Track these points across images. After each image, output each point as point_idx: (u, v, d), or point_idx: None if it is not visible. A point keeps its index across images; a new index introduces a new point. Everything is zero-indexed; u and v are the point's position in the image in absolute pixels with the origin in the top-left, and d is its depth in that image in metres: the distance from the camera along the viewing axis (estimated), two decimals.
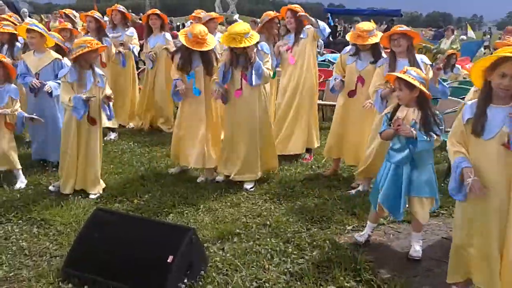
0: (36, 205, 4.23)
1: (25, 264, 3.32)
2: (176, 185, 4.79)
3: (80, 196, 4.46)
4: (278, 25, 5.86)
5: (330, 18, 21.69)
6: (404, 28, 4.26)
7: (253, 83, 4.46)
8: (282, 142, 5.50)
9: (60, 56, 5.03)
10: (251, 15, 45.05)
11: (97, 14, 6.47)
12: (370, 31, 4.58)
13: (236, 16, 19.65)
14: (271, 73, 4.92)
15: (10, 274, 3.18)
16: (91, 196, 4.46)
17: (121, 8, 7.10)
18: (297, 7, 5.51)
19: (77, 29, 6.90)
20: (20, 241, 3.63)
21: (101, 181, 4.62)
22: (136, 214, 4.07)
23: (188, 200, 4.41)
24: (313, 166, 5.51)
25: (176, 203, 4.33)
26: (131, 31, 7.00)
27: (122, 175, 5.08)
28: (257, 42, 4.52)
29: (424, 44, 10.78)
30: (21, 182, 4.73)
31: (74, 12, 8.19)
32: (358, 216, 4.10)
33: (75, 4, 72.37)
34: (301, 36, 5.40)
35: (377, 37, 4.57)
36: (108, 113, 4.43)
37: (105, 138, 6.11)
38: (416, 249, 3.41)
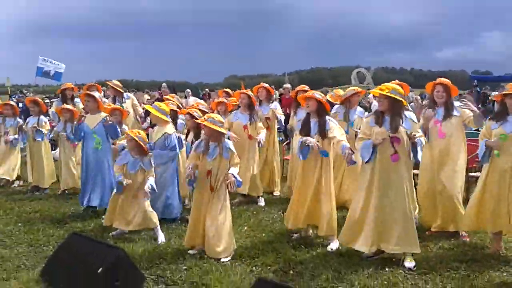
0: (197, 269, 4.49)
1: None
2: (327, 256, 4.74)
3: (237, 263, 4.62)
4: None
5: (477, 86, 20.49)
6: None
7: None
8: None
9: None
10: None
11: (250, 92, 7.03)
12: None
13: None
14: None
15: None
16: (223, 259, 4.68)
17: (266, 85, 7.67)
18: (447, 81, 5.33)
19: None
20: None
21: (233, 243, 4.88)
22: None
23: (341, 275, 4.28)
24: (478, 245, 5.01)
25: (330, 277, 4.23)
26: (275, 104, 7.64)
27: (275, 245, 5.15)
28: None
29: None
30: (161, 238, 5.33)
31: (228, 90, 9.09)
32: None
33: (223, 81, 79.50)
34: (454, 113, 5.17)
35: None
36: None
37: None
38: None
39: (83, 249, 4.29)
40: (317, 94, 5.08)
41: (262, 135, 6.62)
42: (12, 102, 8.47)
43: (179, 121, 6.73)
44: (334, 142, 4.87)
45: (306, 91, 7.04)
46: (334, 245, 5.01)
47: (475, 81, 21.52)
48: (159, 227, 5.40)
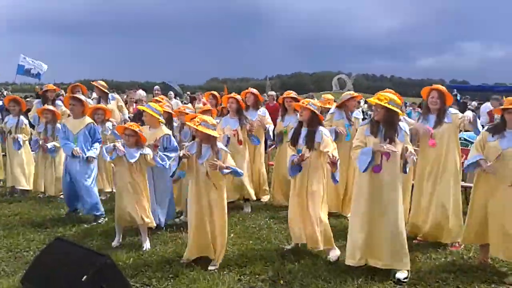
0: (183, 277, 4.39)
1: None
2: (316, 265, 4.68)
3: (224, 272, 4.54)
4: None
5: (457, 94, 20.85)
6: None
7: None
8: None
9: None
10: (368, 92, 45.17)
11: (238, 97, 6.94)
12: None
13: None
14: None
15: None
16: (211, 267, 4.60)
17: (254, 90, 7.56)
18: (442, 88, 5.36)
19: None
20: None
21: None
22: None
23: (331, 285, 4.24)
24: (464, 256, 5.03)
25: (320, 287, 4.18)
26: (264, 111, 7.43)
27: (262, 253, 5.08)
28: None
29: None
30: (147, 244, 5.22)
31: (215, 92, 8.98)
32: None
33: (204, 84, 79.02)
34: (445, 120, 5.20)
35: None
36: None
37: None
38: None
39: (67, 255, 4.14)
40: (313, 105, 4.94)
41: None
42: None
43: (175, 124, 6.55)
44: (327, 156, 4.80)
45: (294, 98, 7.03)
46: (333, 254, 4.91)
47: (455, 90, 21.85)
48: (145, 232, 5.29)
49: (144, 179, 5.30)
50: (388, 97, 4.39)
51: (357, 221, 4.46)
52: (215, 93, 9.20)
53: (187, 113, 6.19)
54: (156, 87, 9.92)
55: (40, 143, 7.09)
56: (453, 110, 5.34)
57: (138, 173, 5.22)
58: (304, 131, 4.95)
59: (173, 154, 5.48)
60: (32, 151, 7.48)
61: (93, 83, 8.45)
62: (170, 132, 5.82)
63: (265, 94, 19.24)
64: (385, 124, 4.36)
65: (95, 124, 6.41)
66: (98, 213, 6.19)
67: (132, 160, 5.11)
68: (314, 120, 4.92)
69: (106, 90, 8.37)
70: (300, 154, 4.80)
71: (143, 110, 5.83)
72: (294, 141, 4.98)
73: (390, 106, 4.29)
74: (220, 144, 4.75)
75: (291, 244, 5.24)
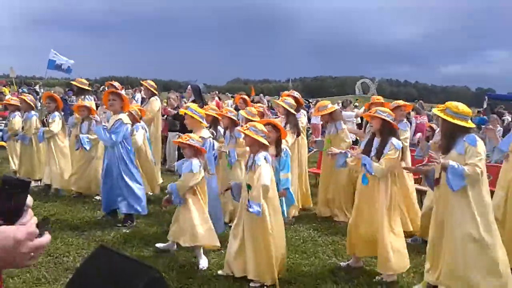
0: None
1: None
2: (371, 286, 4.38)
3: None
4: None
5: (490, 103, 20.29)
6: None
7: None
8: None
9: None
10: (391, 97, 44.42)
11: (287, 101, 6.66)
12: None
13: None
14: None
15: None
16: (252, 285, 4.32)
17: (296, 93, 7.31)
18: None
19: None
20: None
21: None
22: None
23: None
24: None
25: None
26: (303, 113, 7.22)
27: (311, 269, 4.81)
28: None
29: None
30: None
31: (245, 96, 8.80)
32: None
33: (225, 85, 79.02)
34: None
35: None
36: None
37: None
38: None
39: (112, 266, 3.91)
40: (383, 113, 4.59)
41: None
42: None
43: (220, 128, 6.29)
44: None
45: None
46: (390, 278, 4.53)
47: (487, 98, 21.25)
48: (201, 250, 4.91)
49: None
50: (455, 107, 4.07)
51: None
52: (246, 97, 9.02)
53: (230, 117, 5.96)
54: (189, 87, 9.68)
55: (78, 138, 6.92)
56: None
57: None
58: (376, 141, 4.63)
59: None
60: (76, 149, 7.25)
61: (143, 82, 8.23)
62: (210, 135, 5.61)
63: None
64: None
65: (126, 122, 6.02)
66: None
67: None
68: (385, 130, 4.58)
69: (155, 91, 8.13)
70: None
71: (186, 113, 5.63)
72: (365, 153, 4.65)
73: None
74: (260, 156, 4.32)
75: (349, 260, 4.93)
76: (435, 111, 4.10)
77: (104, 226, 5.94)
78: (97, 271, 4.04)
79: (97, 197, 7.03)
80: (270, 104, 17.78)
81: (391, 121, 4.56)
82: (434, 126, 7.65)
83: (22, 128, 7.73)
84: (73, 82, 8.40)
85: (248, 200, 4.21)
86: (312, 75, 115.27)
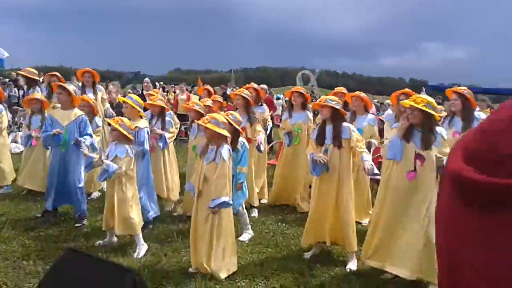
0: None
1: None
2: (347, 277, 4.42)
3: (255, 284, 4.21)
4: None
5: (430, 94, 21.17)
6: None
7: None
8: None
9: None
10: (331, 88, 45.47)
11: (245, 92, 6.54)
12: None
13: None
14: None
15: None
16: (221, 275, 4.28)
17: (256, 85, 7.23)
18: (463, 89, 5.30)
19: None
20: None
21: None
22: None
23: None
24: None
25: None
26: (263, 108, 7.12)
27: (286, 262, 4.76)
28: None
29: None
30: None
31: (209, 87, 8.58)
32: None
33: (167, 75, 77.13)
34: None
35: None
36: None
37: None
38: None
39: (85, 270, 3.65)
40: (331, 101, 4.72)
41: (260, 136, 6.11)
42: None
43: (167, 118, 6.15)
44: (354, 152, 4.62)
45: (301, 93, 6.69)
46: (353, 265, 4.70)
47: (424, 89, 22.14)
48: (140, 236, 4.88)
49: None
50: (424, 99, 4.17)
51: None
52: (209, 87, 8.83)
53: (196, 110, 5.76)
54: (146, 79, 9.29)
55: (33, 135, 6.44)
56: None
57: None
58: (328, 128, 4.71)
59: (140, 149, 5.27)
60: (24, 146, 6.71)
61: (81, 70, 7.72)
62: (147, 125, 5.54)
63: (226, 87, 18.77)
64: (421, 128, 4.14)
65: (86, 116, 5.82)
66: (85, 214, 5.73)
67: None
68: (337, 115, 4.71)
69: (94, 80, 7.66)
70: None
71: (124, 101, 5.50)
72: (320, 140, 4.73)
73: (427, 109, 4.07)
74: (225, 149, 4.27)
75: (313, 251, 4.97)
76: (421, 106, 4.10)
77: (61, 225, 5.58)
78: (70, 278, 3.71)
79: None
80: (270, 93, 17.15)
81: (340, 108, 4.71)
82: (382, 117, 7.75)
83: None
84: (21, 72, 7.79)
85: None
86: (255, 66, 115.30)
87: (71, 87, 5.85)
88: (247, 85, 7.30)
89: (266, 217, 6.29)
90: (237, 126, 4.78)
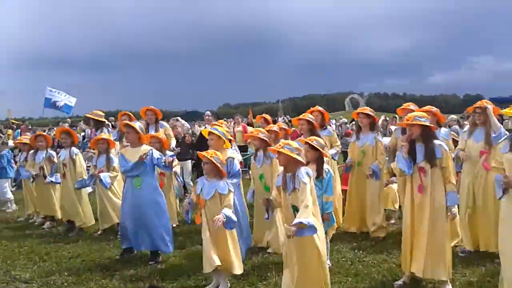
0: None
1: None
2: None
3: None
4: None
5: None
6: None
7: None
8: None
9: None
10: (381, 110, 44.55)
11: (309, 116, 6.38)
12: None
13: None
14: None
15: None
16: None
17: (321, 108, 7.04)
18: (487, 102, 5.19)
19: None
20: None
21: None
22: None
23: None
24: None
25: None
26: (330, 130, 6.96)
27: None
28: None
29: None
30: None
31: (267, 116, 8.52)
32: None
33: (216, 110, 78.97)
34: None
35: None
36: None
37: None
38: None
39: None
40: (419, 118, 4.44)
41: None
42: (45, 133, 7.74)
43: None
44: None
45: (368, 114, 6.44)
46: None
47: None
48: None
49: None
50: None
51: None
52: (267, 116, 8.76)
53: (261, 138, 5.66)
54: (207, 112, 9.42)
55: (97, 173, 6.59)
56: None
57: None
58: (419, 146, 4.43)
59: (234, 180, 5.15)
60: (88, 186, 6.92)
61: (143, 108, 7.92)
62: (235, 156, 5.50)
63: (276, 118, 18.75)
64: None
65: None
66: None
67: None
68: (427, 134, 4.41)
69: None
70: None
71: (210, 133, 5.43)
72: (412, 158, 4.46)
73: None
74: (302, 172, 3.97)
75: (403, 278, 4.60)
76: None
77: (135, 263, 5.55)
78: None
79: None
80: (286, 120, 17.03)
81: (430, 125, 4.45)
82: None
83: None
84: (88, 115, 8.09)
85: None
86: (301, 94, 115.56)
87: (137, 125, 5.93)
88: (312, 108, 7.14)
89: (341, 244, 5.99)
90: (322, 151, 4.63)
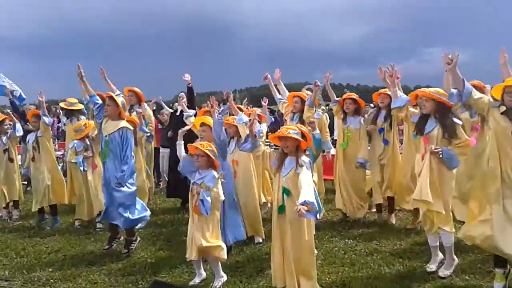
0: None
1: None
2: None
3: None
4: None
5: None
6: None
7: None
8: None
9: None
10: None
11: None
12: None
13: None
14: None
15: None
16: None
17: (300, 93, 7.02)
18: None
19: None
20: None
21: None
22: None
23: None
24: None
25: None
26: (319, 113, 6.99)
27: (375, 282, 4.45)
28: None
29: None
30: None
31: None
32: None
33: (172, 99, 77.58)
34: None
35: None
36: None
37: None
38: None
39: None
40: (434, 92, 4.43)
41: None
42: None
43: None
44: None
45: (354, 99, 6.49)
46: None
47: None
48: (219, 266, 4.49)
49: None
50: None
51: None
52: (240, 106, 8.62)
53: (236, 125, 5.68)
54: (182, 93, 9.04)
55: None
56: None
57: None
58: (432, 121, 4.47)
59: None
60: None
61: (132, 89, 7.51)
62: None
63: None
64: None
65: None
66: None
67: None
68: (443, 111, 4.43)
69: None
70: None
71: (203, 124, 5.27)
72: (420, 130, 4.55)
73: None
74: (305, 158, 3.98)
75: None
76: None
77: (121, 257, 5.31)
78: None
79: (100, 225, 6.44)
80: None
81: (443, 99, 4.41)
82: None
83: None
84: (62, 104, 7.69)
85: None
86: (258, 84, 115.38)
87: (120, 99, 5.66)
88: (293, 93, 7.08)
89: (330, 233, 6.00)
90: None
